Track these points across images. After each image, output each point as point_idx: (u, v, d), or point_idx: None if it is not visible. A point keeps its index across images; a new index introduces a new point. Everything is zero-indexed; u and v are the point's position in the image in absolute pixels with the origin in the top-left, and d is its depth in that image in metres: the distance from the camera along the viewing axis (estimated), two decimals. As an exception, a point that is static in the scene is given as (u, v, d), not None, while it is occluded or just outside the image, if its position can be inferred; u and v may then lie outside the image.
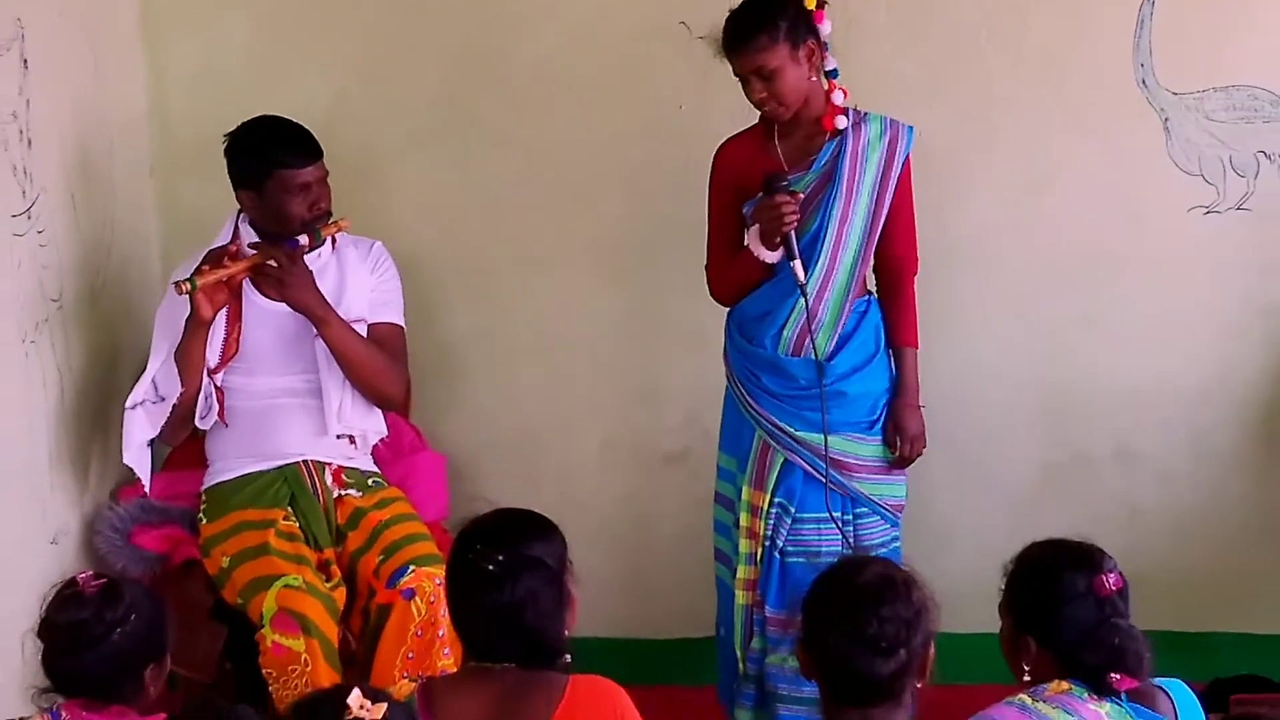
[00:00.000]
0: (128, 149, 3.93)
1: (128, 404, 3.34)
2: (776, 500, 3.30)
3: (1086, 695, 2.33)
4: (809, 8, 3.19)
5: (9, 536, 3.12)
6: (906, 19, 3.70)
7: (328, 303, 3.35)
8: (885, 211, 3.26)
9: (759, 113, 3.28)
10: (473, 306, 4.00)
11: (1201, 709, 2.50)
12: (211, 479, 3.41)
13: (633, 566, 3.95)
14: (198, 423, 3.41)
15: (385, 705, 2.01)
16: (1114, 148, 3.82)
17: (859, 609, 2.19)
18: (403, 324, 3.57)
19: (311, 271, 3.36)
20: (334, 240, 3.47)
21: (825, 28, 3.16)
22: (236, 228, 3.46)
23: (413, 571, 3.20)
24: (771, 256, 3.18)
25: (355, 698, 1.96)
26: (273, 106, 3.52)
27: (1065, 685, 2.34)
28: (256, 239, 3.44)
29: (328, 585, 3.23)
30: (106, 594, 2.47)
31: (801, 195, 3.21)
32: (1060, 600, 2.42)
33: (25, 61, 3.24)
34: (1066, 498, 3.82)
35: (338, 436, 3.42)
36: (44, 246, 3.31)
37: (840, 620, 2.20)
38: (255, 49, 3.92)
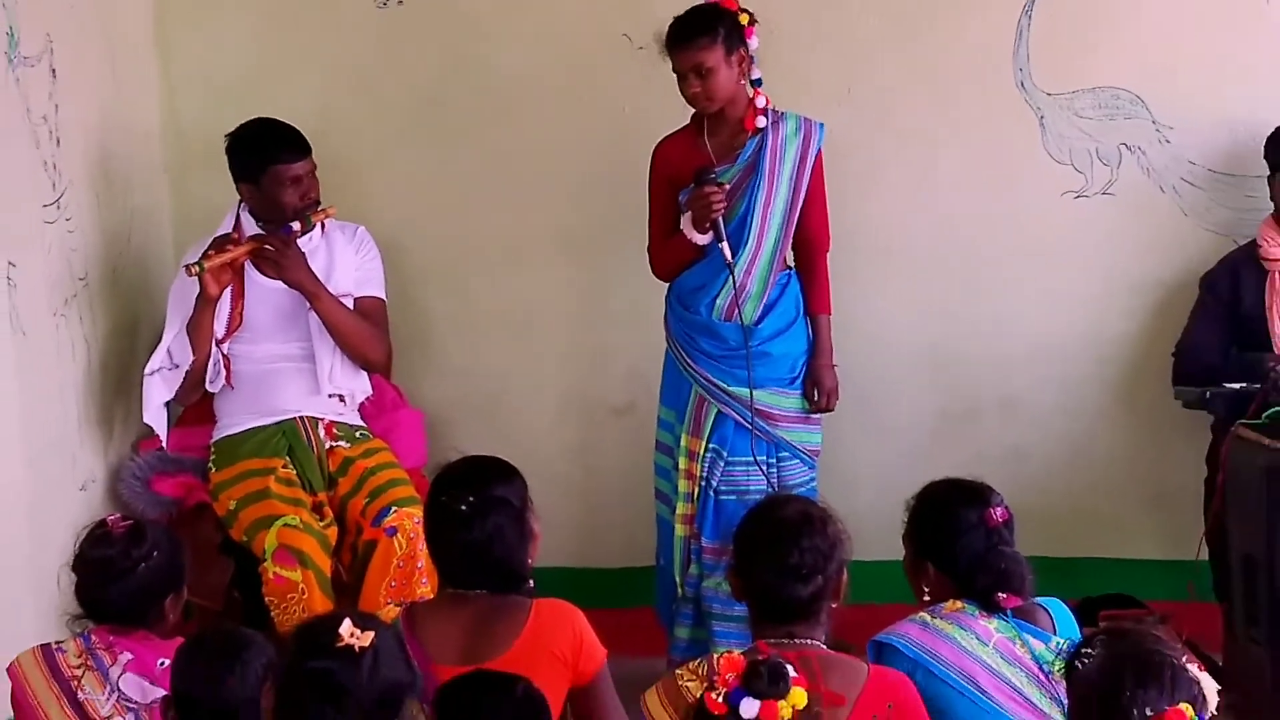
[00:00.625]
0: (144, 148, 4.15)
1: (146, 370, 3.55)
2: (711, 446, 3.51)
3: (978, 613, 2.51)
4: (742, 22, 3.46)
5: (44, 485, 3.34)
6: (819, 29, 3.90)
7: (319, 280, 3.54)
8: (802, 197, 3.48)
9: (691, 112, 3.52)
10: (447, 283, 4.21)
11: (1076, 623, 2.67)
12: (220, 433, 3.62)
13: (584, 505, 4.14)
14: (208, 385, 3.59)
15: (374, 633, 2.03)
16: (996, 141, 4.07)
17: (782, 541, 2.35)
18: (384, 298, 3.76)
19: (304, 253, 3.54)
20: (323, 226, 3.64)
21: (754, 42, 3.42)
22: (238, 216, 3.64)
23: (395, 512, 3.40)
24: (702, 239, 3.42)
25: (346, 628, 1.98)
26: (272, 110, 3.74)
27: (959, 604, 2.52)
28: (255, 225, 3.62)
29: (321, 524, 3.44)
30: (132, 534, 2.63)
31: (728, 185, 3.44)
32: (955, 531, 2.59)
33: (54, 71, 3.45)
34: (958, 443, 4.01)
35: (329, 396, 3.61)
36: (71, 233, 3.53)
37: (766, 551, 2.36)
38: (256, 60, 4.12)
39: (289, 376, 3.64)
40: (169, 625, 2.68)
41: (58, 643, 2.67)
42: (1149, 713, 1.99)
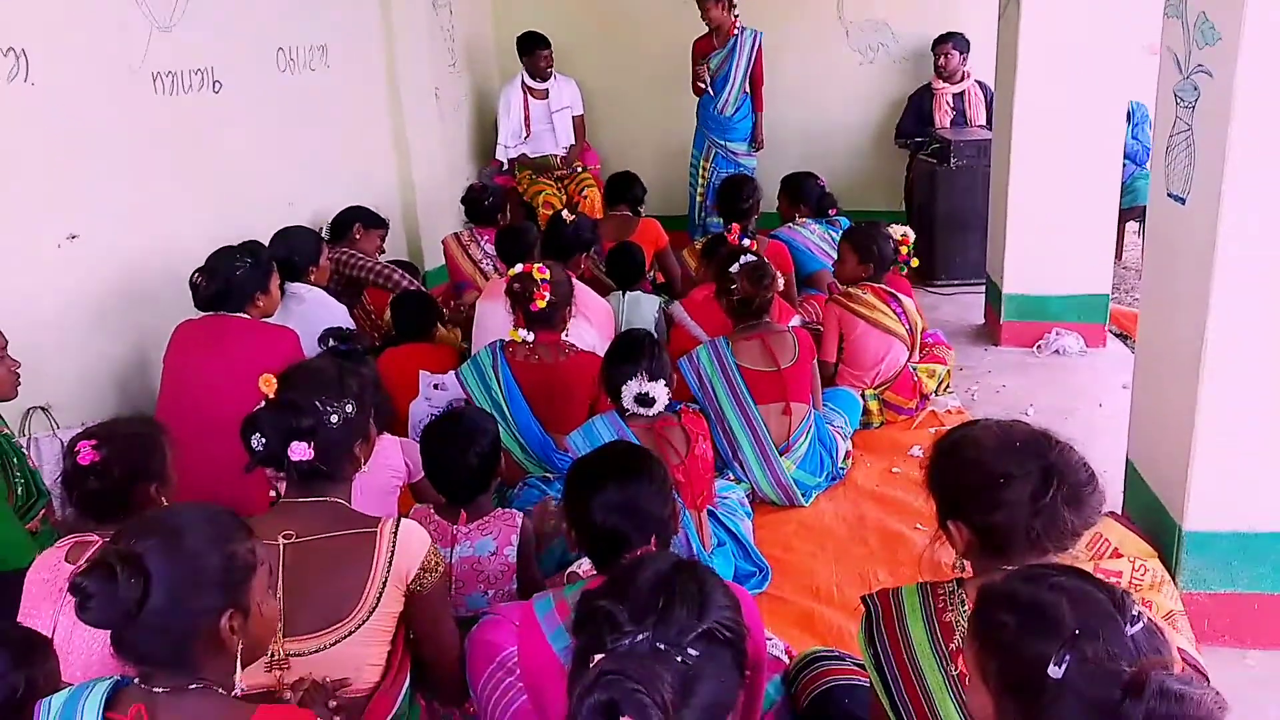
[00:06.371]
0: (484, 43, 6.46)
1: (499, 143, 5.89)
2: (712, 163, 5.70)
3: (810, 221, 4.52)
4: None
5: (454, 170, 5.70)
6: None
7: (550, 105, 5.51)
8: (751, 65, 5.49)
9: (706, 24, 5.44)
10: (609, 99, 6.45)
11: (850, 224, 4.17)
12: (522, 159, 5.88)
13: (665, 190, 6.14)
14: (511, 141, 5.85)
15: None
16: (828, 42, 6.05)
17: (736, 186, 4.45)
18: (583, 113, 5.99)
19: (549, 92, 5.70)
20: (555, 76, 5.82)
21: None
22: (521, 76, 5.83)
23: (586, 189, 5.76)
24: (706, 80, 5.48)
25: (565, 214, 3.87)
26: (540, 27, 5.86)
27: (805, 220, 4.54)
28: (529, 78, 5.79)
29: (558, 193, 5.74)
30: (485, 188, 4.44)
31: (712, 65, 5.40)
32: (808, 189, 4.70)
33: (451, 10, 5.75)
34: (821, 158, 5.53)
35: (561, 146, 5.89)
36: (459, 75, 5.94)
37: (726, 190, 4.47)
38: (534, 11, 6.27)
39: (547, 138, 5.91)
40: (502, 224, 4.39)
41: (458, 232, 4.46)
42: (878, 247, 3.60)
